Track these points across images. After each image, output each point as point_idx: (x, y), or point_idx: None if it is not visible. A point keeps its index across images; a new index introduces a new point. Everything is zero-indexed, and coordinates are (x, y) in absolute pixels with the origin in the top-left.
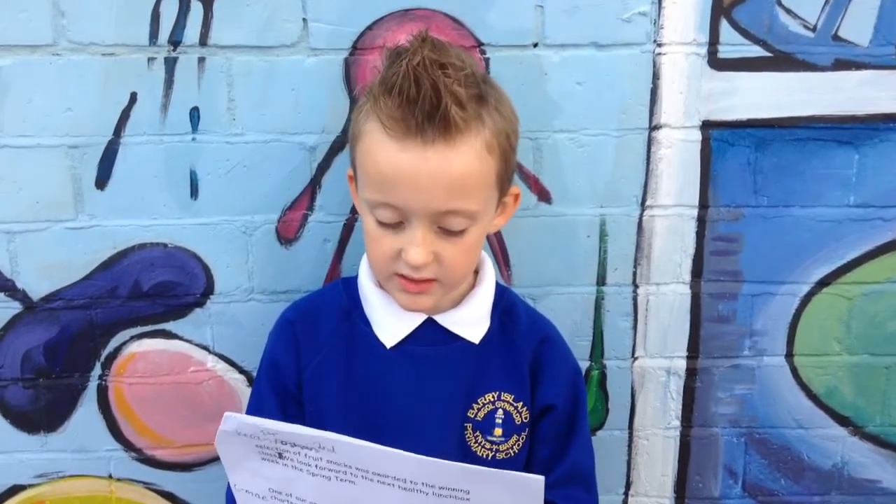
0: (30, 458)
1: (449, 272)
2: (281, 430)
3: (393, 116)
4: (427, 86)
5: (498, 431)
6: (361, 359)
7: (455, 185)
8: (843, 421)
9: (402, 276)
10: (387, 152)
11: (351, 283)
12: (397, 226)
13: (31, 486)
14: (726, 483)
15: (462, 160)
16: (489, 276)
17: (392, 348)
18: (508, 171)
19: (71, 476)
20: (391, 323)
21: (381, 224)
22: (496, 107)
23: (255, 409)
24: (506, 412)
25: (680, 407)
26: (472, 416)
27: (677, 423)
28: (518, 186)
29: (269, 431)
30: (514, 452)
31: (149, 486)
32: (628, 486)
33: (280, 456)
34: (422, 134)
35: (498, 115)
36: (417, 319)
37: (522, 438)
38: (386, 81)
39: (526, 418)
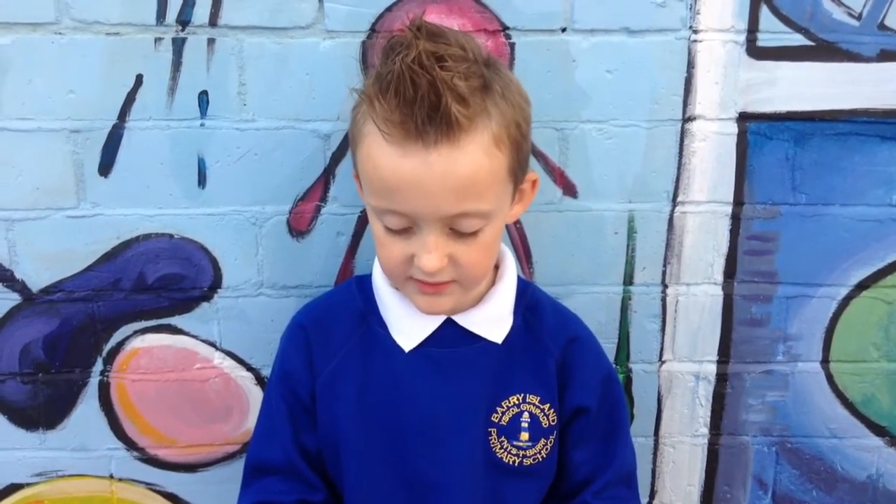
0: (28, 455)
1: (467, 273)
2: None
3: (390, 120)
4: (424, 84)
5: (524, 436)
6: (378, 363)
7: (464, 188)
8: (879, 431)
9: (418, 280)
10: (387, 159)
11: (365, 283)
12: (407, 231)
13: (29, 484)
14: (755, 494)
15: (469, 160)
16: (510, 272)
17: (410, 352)
18: (521, 160)
19: (70, 475)
20: (409, 325)
21: (390, 230)
22: (503, 94)
23: (265, 416)
24: (532, 415)
25: (709, 414)
26: (497, 421)
27: (705, 430)
28: (535, 172)
29: None
30: (542, 457)
31: (151, 486)
32: (653, 495)
33: None
34: (423, 137)
35: (505, 104)
36: (436, 321)
37: (550, 442)
38: (381, 80)
39: (553, 421)
